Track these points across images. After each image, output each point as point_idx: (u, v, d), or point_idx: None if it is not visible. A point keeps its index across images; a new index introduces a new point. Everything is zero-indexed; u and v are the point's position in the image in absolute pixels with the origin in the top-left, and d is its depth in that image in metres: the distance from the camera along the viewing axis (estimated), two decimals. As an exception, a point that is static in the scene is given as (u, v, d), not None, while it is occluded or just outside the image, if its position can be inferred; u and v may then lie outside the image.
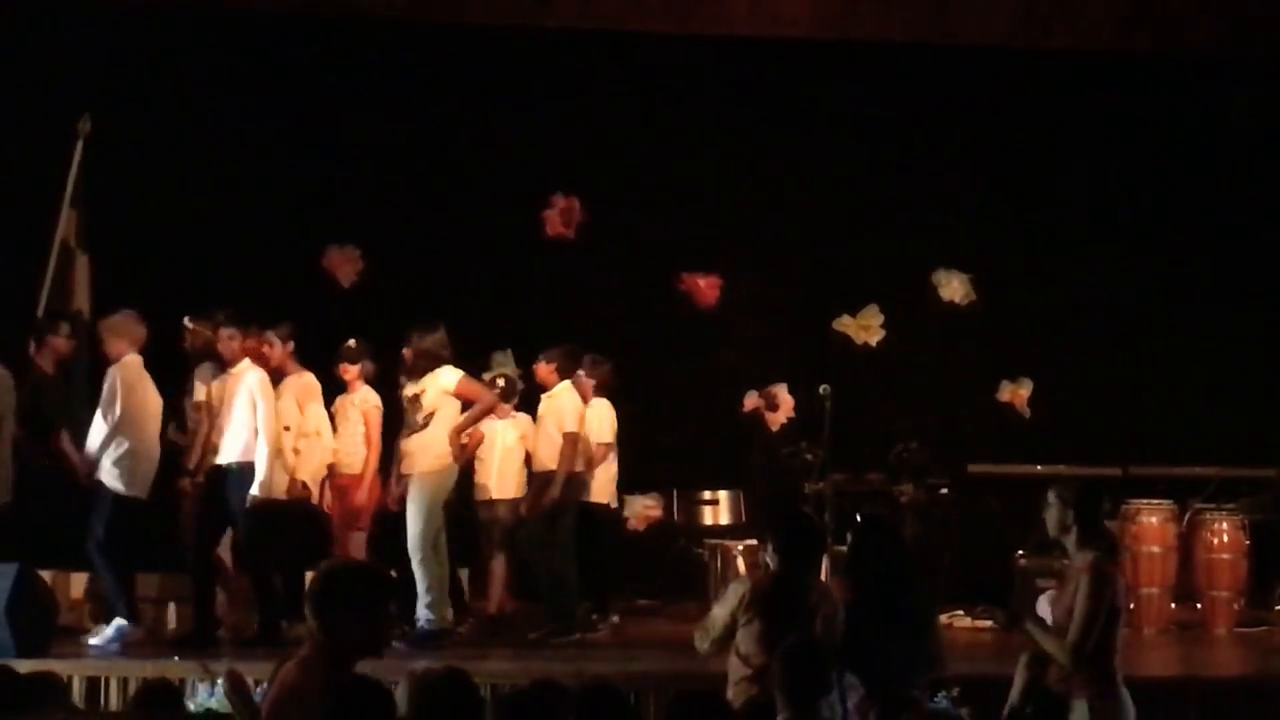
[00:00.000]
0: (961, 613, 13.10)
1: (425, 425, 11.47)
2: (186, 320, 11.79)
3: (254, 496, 11.13)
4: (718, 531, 13.63)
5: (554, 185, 14.82)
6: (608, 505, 12.62)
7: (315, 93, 14.25)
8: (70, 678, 9.57)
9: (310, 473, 11.78)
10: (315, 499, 11.91)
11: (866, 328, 15.03)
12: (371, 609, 5.98)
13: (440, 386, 11.49)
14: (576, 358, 12.46)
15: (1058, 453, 13.83)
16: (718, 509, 13.76)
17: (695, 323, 14.77)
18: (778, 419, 14.73)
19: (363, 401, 12.02)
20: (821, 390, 12.89)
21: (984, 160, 14.83)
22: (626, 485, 14.05)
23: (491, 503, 12.37)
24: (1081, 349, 14.74)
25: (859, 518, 11.64)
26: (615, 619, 12.48)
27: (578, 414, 12.22)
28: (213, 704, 9.14)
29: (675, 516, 14.10)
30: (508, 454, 12.38)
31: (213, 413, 11.49)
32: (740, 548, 13.08)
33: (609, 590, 12.66)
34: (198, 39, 13.98)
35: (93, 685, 9.76)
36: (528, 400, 12.57)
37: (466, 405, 11.60)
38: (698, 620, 12.79)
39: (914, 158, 14.79)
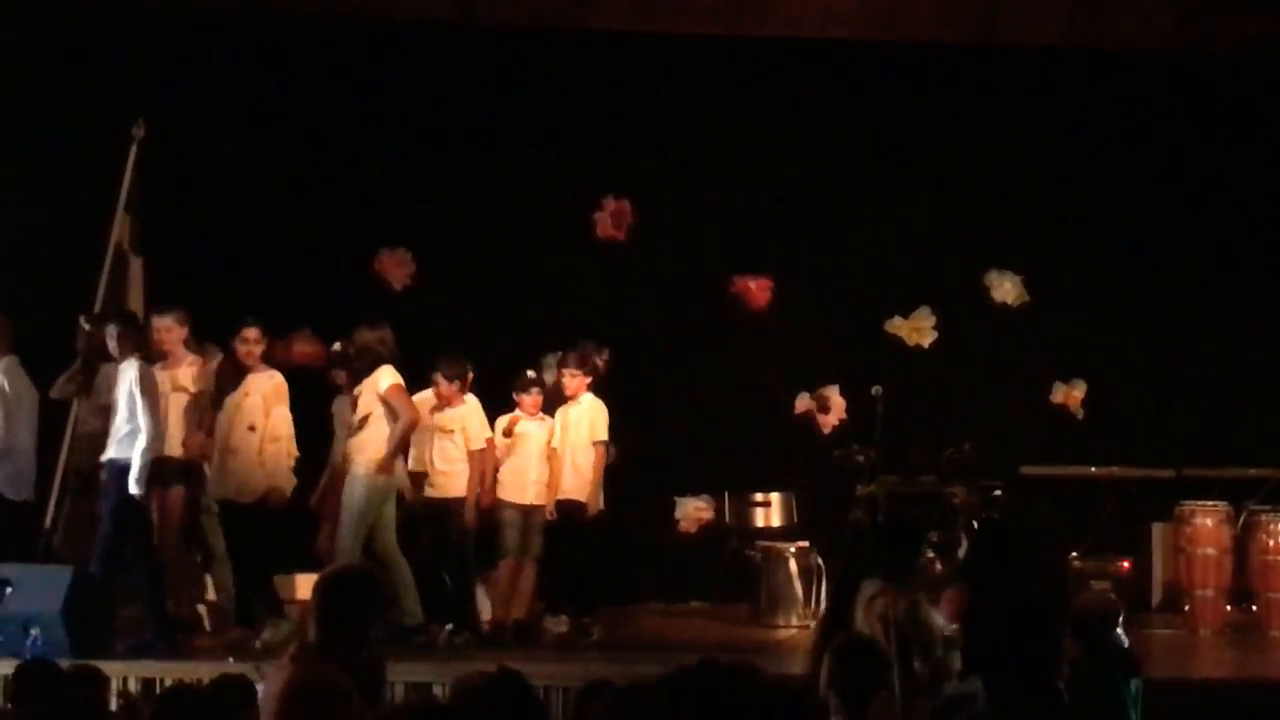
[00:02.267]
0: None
1: (361, 427, 11.49)
2: (82, 320, 11.76)
3: (214, 500, 11.38)
4: (770, 533, 13.62)
5: (605, 188, 14.81)
6: (584, 505, 12.29)
7: (367, 96, 14.27)
8: (126, 678, 9.64)
9: (283, 476, 11.79)
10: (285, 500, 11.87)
11: (918, 329, 14.98)
12: (371, 613, 6.21)
13: (375, 388, 11.50)
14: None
15: (1111, 454, 13.80)
16: (770, 511, 13.74)
17: (746, 325, 14.75)
18: (829, 421, 14.70)
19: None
20: (874, 392, 12.89)
21: (1036, 160, 14.76)
22: (678, 487, 14.08)
23: (531, 508, 12.31)
24: (1135, 350, 14.65)
25: (975, 524, 11.67)
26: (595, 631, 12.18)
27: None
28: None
29: (727, 518, 14.10)
30: (541, 457, 12.34)
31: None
32: (792, 549, 13.07)
33: (594, 596, 12.43)
34: (250, 43, 14.03)
35: (148, 686, 9.80)
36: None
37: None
38: (749, 622, 12.92)
39: (966, 158, 14.73)
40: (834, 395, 14.67)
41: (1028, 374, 14.82)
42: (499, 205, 14.38)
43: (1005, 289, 15.02)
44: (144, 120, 12.54)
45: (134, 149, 12.45)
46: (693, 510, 14.35)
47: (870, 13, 14.60)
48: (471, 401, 12.13)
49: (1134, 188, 14.77)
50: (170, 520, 11.63)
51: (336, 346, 12.08)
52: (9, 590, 10.36)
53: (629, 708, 6.46)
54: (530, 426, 12.32)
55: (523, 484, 12.26)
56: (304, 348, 14.10)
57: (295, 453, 11.89)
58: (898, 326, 14.99)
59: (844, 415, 14.63)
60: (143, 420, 10.97)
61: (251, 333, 11.76)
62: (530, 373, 12.43)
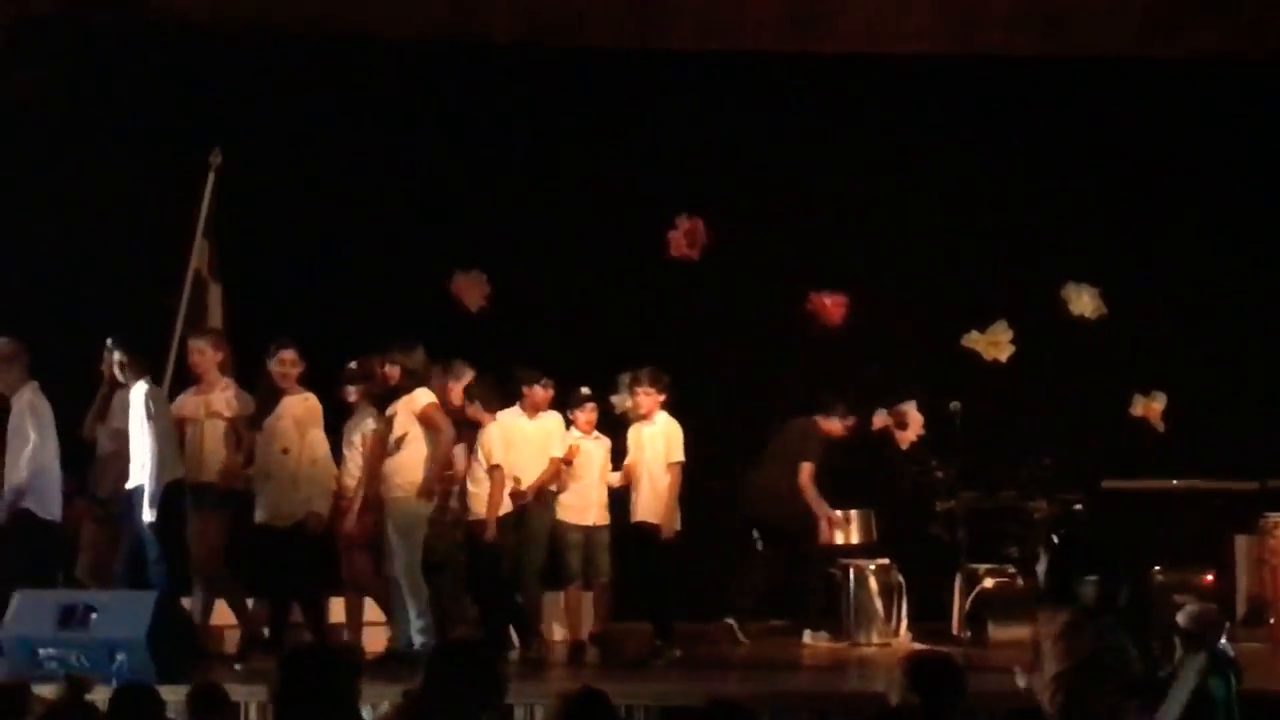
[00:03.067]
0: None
1: (397, 449, 11.43)
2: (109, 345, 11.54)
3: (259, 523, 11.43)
4: (849, 551, 13.57)
5: (678, 206, 14.83)
6: (659, 527, 12.09)
7: (440, 119, 14.36)
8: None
9: (321, 500, 11.71)
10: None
11: (995, 344, 14.92)
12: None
13: (412, 408, 11.45)
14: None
15: (1193, 467, 13.69)
16: (849, 529, 13.68)
17: (822, 342, 14.72)
18: (907, 437, 14.65)
19: (362, 424, 11.80)
20: (952, 407, 12.83)
21: (1112, 172, 14.69)
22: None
23: (593, 529, 12.28)
24: (1215, 361, 14.56)
25: (1054, 539, 11.61)
26: (677, 653, 12.03)
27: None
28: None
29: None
30: (602, 476, 12.33)
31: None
32: (872, 567, 13.02)
33: (669, 618, 12.22)
34: (325, 70, 14.11)
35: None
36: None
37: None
38: (831, 640, 12.88)
39: (1041, 171, 14.68)
40: (911, 411, 14.61)
41: (1107, 387, 14.75)
42: (573, 226, 14.42)
43: (1083, 302, 14.95)
44: (221, 148, 12.62)
45: (211, 176, 12.55)
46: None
47: (940, 28, 14.56)
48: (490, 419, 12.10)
49: (1212, 198, 14.68)
50: (207, 545, 11.59)
51: (352, 365, 11.99)
52: (94, 616, 10.43)
53: None
54: (588, 445, 12.31)
55: (584, 505, 12.23)
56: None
57: (336, 473, 11.81)
58: (975, 341, 14.94)
59: (922, 431, 14.58)
60: (148, 444, 11.04)
61: (288, 355, 11.65)
62: (584, 389, 12.36)
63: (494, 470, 11.92)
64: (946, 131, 14.67)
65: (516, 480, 11.95)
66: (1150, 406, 14.84)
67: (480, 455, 11.96)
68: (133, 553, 11.14)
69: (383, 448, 11.52)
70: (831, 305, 14.88)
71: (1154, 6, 14.48)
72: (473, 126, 14.40)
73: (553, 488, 12.15)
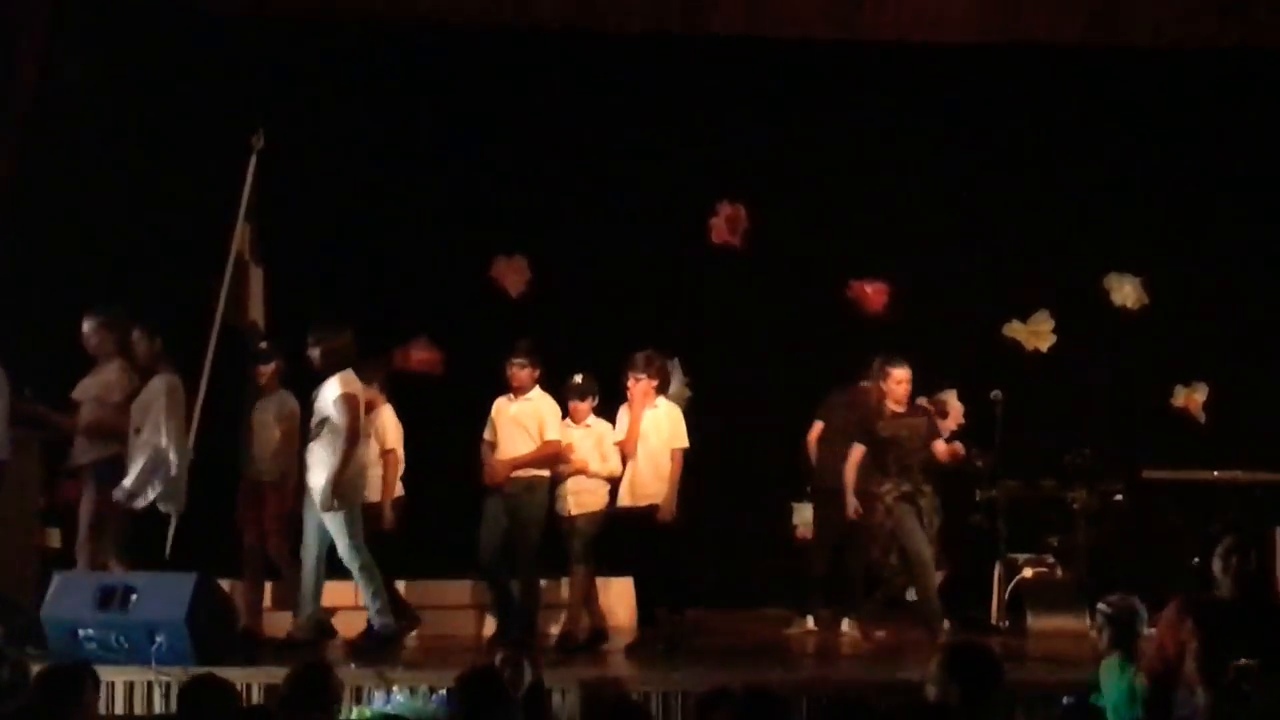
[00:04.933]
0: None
1: (317, 435, 11.37)
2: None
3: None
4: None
5: (719, 193, 14.81)
6: (657, 508, 11.90)
7: (483, 103, 14.35)
8: (249, 685, 9.73)
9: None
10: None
11: (1037, 333, 14.88)
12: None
13: (328, 394, 11.34)
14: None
15: (1234, 457, 13.64)
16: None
17: (863, 329, 14.68)
18: (948, 425, 14.56)
19: (279, 407, 11.91)
20: (993, 396, 12.80)
21: (1155, 161, 14.64)
22: (795, 494, 14.02)
23: (570, 517, 12.11)
24: (1257, 352, 14.48)
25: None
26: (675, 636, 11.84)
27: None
28: (389, 710, 9.27)
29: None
30: (596, 460, 12.11)
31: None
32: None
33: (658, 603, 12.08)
34: (366, 53, 14.14)
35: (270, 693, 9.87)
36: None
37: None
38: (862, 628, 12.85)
39: (1083, 160, 14.64)
40: (952, 400, 14.54)
41: (1148, 377, 14.70)
42: (615, 211, 14.42)
43: (1125, 292, 14.90)
44: (263, 130, 12.64)
45: (253, 159, 12.56)
46: (810, 516, 14.28)
47: (985, 16, 14.50)
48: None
49: (1255, 187, 14.60)
50: (259, 539, 11.81)
51: (263, 345, 11.99)
52: (134, 598, 10.48)
53: (753, 714, 6.45)
54: (575, 435, 12.10)
55: (561, 494, 12.07)
56: (421, 354, 14.23)
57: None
58: (1016, 330, 14.90)
59: (962, 420, 14.52)
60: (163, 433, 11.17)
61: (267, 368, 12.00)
62: (578, 378, 12.16)
63: (387, 455, 12.02)
64: (990, 120, 14.63)
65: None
66: (1191, 397, 14.78)
67: (374, 439, 11.96)
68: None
69: (295, 431, 11.67)
70: (873, 293, 14.85)
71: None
72: (515, 111, 14.39)
73: (545, 472, 11.99)
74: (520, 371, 12.02)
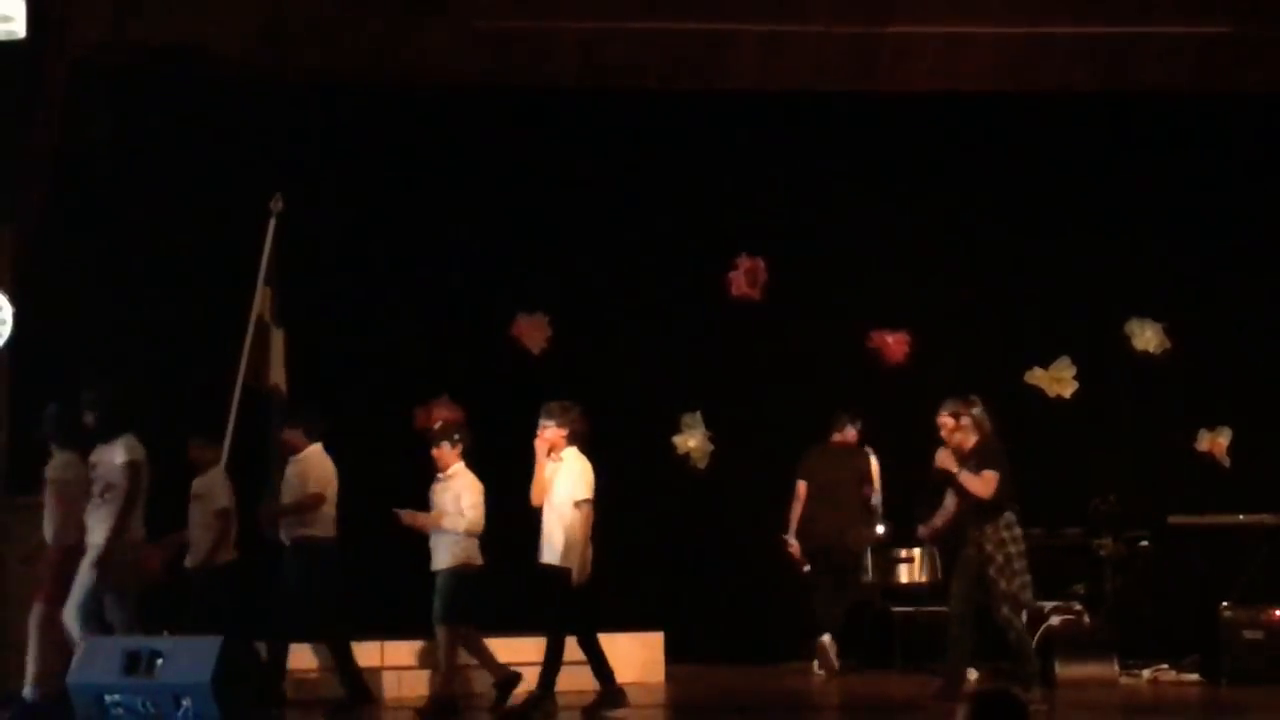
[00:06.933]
0: (1166, 666, 12.92)
1: (101, 496, 10.99)
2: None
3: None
4: (914, 589, 13.55)
5: (739, 246, 14.83)
6: (566, 571, 11.25)
7: (502, 162, 14.40)
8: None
9: None
10: None
11: (1059, 380, 14.85)
12: None
13: (109, 458, 11.01)
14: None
15: (1260, 501, 13.58)
16: (913, 567, 13.65)
17: (885, 380, 14.67)
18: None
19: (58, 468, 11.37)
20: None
21: (1175, 208, 14.63)
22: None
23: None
24: (1280, 395, 14.46)
25: None
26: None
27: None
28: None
29: (870, 575, 13.97)
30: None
31: None
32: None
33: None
34: (384, 116, 14.20)
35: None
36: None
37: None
38: (897, 684, 12.82)
39: (1104, 207, 14.64)
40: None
41: (1171, 422, 14.67)
42: (634, 267, 14.45)
43: (1146, 337, 14.88)
44: (282, 194, 12.68)
45: (273, 222, 12.60)
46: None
47: (1001, 65, 14.53)
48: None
49: (1275, 232, 14.58)
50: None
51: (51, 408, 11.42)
52: (160, 662, 10.46)
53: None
54: (435, 486, 11.69)
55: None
56: (443, 413, 14.23)
57: None
58: (1038, 377, 14.88)
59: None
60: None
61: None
62: (438, 424, 11.97)
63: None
64: (1008, 169, 14.65)
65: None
66: (1216, 441, 14.74)
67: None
68: None
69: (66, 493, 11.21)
70: (894, 343, 14.84)
71: (1212, 43, 14.42)
72: (533, 170, 14.45)
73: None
74: (439, 450, 11.69)
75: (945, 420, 11.84)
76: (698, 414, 14.52)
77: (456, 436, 11.69)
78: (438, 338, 14.12)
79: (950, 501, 11.95)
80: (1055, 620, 12.86)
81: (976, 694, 6.87)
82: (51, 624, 11.12)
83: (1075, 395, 14.85)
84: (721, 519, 14.21)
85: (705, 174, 14.57)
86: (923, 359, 14.71)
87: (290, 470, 11.82)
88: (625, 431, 13.20)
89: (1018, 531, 11.52)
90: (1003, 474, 11.56)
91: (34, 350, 12.37)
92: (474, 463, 11.68)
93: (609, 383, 13.82)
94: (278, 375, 12.55)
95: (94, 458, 11.10)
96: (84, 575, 10.94)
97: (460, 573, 11.47)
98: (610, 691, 11.34)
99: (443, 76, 14.30)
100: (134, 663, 10.46)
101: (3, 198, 12.13)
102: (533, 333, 14.69)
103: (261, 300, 12.51)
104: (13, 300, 11.80)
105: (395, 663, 12.36)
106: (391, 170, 14.24)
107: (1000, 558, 11.45)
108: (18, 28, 10.37)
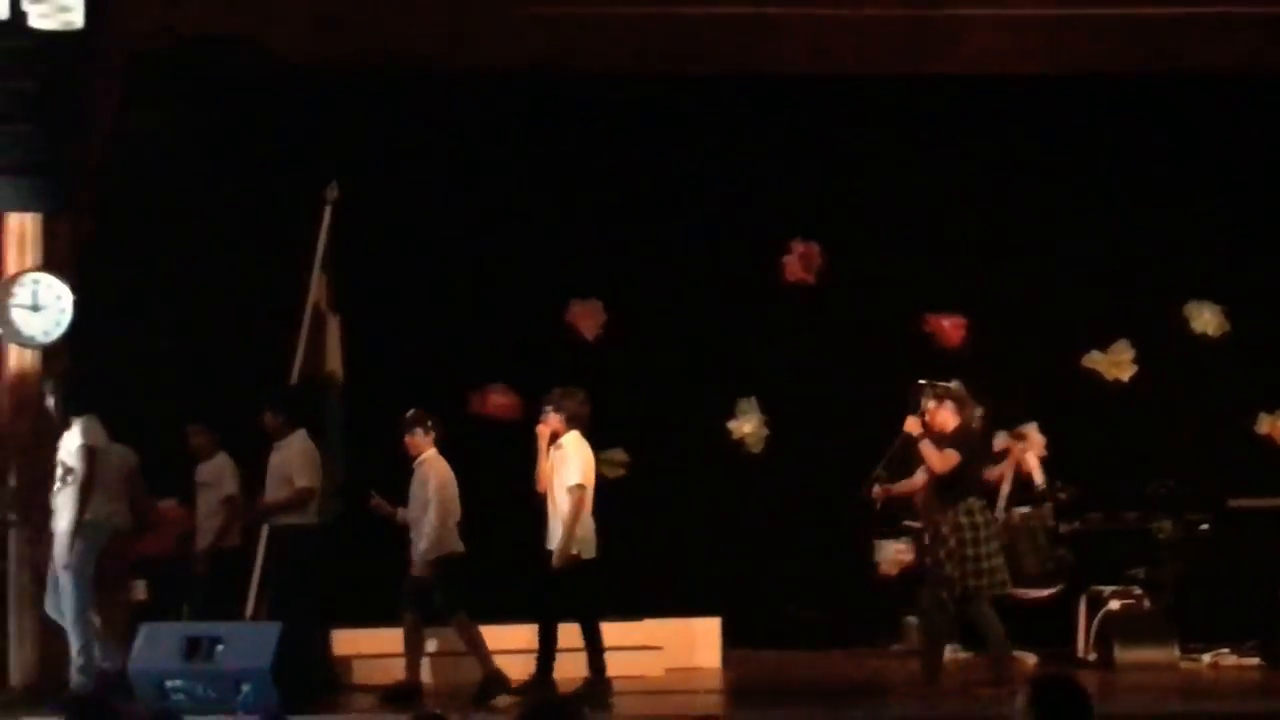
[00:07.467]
0: (1227, 650, 12.84)
1: (63, 480, 11.19)
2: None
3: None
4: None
5: (793, 231, 14.80)
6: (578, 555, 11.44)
7: (555, 149, 14.40)
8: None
9: None
10: None
11: (1117, 363, 14.78)
12: None
13: (69, 442, 11.20)
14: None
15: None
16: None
17: (941, 364, 14.60)
18: (1030, 458, 14.49)
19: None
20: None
21: (1234, 188, 14.53)
22: (879, 529, 13.98)
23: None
24: (1342, 377, 14.35)
25: None
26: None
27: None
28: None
29: (925, 561, 13.91)
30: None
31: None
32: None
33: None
34: (439, 102, 14.20)
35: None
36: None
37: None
38: (953, 668, 12.76)
39: (1162, 188, 14.54)
40: (1033, 433, 14.45)
41: (1231, 405, 14.58)
42: (688, 252, 14.43)
43: (1205, 319, 14.79)
44: (337, 182, 12.72)
45: (328, 210, 12.64)
46: (894, 553, 14.19)
47: (1051, 47, 14.44)
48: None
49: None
50: None
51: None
52: (219, 648, 10.54)
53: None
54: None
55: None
56: (499, 399, 14.26)
57: None
58: (1096, 361, 14.80)
59: (1044, 452, 14.41)
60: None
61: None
62: (410, 412, 11.84)
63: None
64: (1065, 151, 14.57)
65: None
66: (1275, 424, 14.65)
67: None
68: None
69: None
70: (950, 327, 14.78)
71: (1269, 22, 14.29)
72: (589, 156, 14.43)
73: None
74: (412, 438, 11.75)
75: (928, 403, 11.83)
76: (753, 399, 14.49)
77: (429, 424, 11.75)
78: (492, 323, 14.12)
79: (920, 476, 11.93)
80: (1115, 604, 12.80)
81: (1034, 679, 6.85)
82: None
83: (1133, 378, 14.77)
84: (777, 504, 14.17)
85: (759, 159, 14.54)
86: (980, 343, 14.64)
87: (274, 458, 11.82)
88: (681, 417, 13.19)
89: (979, 519, 11.51)
90: (967, 460, 11.55)
91: (93, 339, 12.43)
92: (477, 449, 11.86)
93: (664, 368, 13.82)
94: (334, 362, 12.61)
95: (60, 441, 11.24)
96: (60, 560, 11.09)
97: (443, 561, 11.53)
98: (597, 684, 11.29)
99: (496, 62, 14.28)
100: (194, 649, 10.58)
101: (61, 188, 12.17)
102: (588, 319, 14.69)
103: (317, 288, 12.56)
104: (73, 290, 11.87)
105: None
106: (445, 157, 14.24)
107: (953, 542, 11.47)
108: (76, 18, 10.42)
